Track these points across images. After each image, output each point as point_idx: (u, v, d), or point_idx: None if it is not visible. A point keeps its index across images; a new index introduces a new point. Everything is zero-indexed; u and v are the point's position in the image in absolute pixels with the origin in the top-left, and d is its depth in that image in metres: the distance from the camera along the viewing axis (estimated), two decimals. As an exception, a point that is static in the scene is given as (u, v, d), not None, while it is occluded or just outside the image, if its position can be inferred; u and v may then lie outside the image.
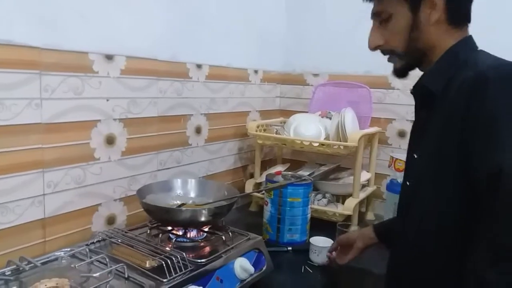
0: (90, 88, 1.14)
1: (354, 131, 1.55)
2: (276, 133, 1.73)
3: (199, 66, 1.52)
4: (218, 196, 1.25)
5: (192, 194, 1.32)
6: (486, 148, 0.73)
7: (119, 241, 1.07)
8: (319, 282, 1.22)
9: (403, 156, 1.05)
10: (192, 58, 1.49)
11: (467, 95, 0.77)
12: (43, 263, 0.94)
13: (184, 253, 0.97)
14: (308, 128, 1.66)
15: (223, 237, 1.12)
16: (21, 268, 0.90)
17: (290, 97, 2.06)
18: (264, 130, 1.77)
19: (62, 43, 1.06)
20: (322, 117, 1.77)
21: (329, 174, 1.80)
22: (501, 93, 0.74)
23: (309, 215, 1.46)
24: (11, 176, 0.99)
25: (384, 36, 0.91)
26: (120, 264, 0.92)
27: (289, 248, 1.39)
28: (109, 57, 1.18)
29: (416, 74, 0.94)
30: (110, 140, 1.22)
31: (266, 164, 1.92)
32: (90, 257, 0.96)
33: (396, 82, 1.74)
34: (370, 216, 1.77)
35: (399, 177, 1.53)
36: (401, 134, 1.76)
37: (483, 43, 0.89)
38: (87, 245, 1.04)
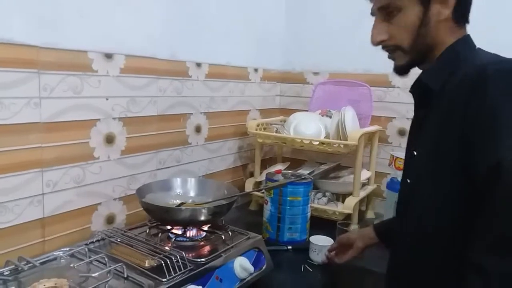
0: (89, 87, 1.14)
1: (354, 130, 1.55)
2: (276, 131, 1.72)
3: (198, 65, 1.52)
4: (217, 195, 1.25)
5: (192, 193, 1.32)
6: (487, 143, 0.72)
7: (118, 240, 1.07)
8: (319, 281, 1.22)
9: (403, 154, 1.04)
10: (191, 57, 1.48)
11: (468, 91, 0.77)
12: (42, 263, 0.94)
13: (183, 253, 0.97)
14: (308, 127, 1.66)
15: (223, 236, 1.12)
16: (19, 268, 0.89)
17: (290, 96, 2.06)
18: (264, 128, 1.77)
19: (61, 42, 1.05)
20: (322, 115, 1.77)
21: (329, 173, 1.80)
22: (502, 88, 0.73)
23: (309, 214, 1.46)
24: (10, 176, 0.99)
25: (389, 31, 0.88)
26: (119, 264, 0.91)
27: (289, 247, 1.39)
28: (109, 56, 1.18)
29: (415, 73, 0.94)
30: (109, 139, 1.22)
31: (266, 162, 1.92)
32: (89, 257, 0.96)
33: (397, 80, 1.74)
34: (370, 214, 1.77)
35: (400, 175, 1.51)
36: (402, 132, 1.76)
37: (483, 43, 0.88)
38: (86, 244, 1.04)
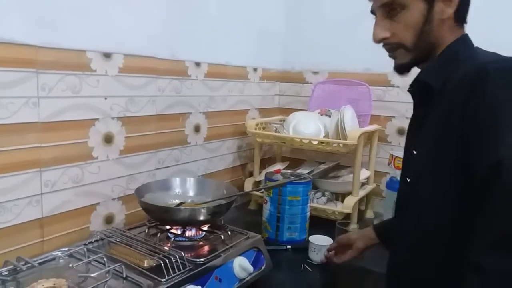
0: (88, 86, 1.13)
1: (353, 129, 1.55)
2: (275, 131, 1.72)
3: (197, 64, 1.52)
4: (217, 195, 1.25)
5: (191, 193, 1.31)
6: (486, 142, 0.72)
7: (117, 240, 1.07)
8: (318, 281, 1.21)
9: (402, 153, 1.05)
10: (191, 56, 1.48)
11: (467, 89, 0.77)
12: (40, 263, 0.94)
13: (182, 253, 0.97)
14: (307, 126, 1.66)
15: (222, 236, 1.11)
16: (18, 268, 0.89)
17: (289, 95, 2.05)
18: (263, 128, 1.77)
19: (59, 41, 1.05)
20: (321, 115, 1.77)
21: (329, 172, 1.80)
22: (501, 87, 0.73)
23: (308, 214, 1.45)
24: (8, 176, 0.98)
25: (392, 28, 0.87)
26: (118, 264, 0.91)
27: (288, 247, 1.39)
28: (107, 55, 1.18)
29: (415, 72, 0.94)
30: (108, 139, 1.21)
31: (265, 162, 1.92)
32: (88, 257, 0.96)
33: (396, 79, 1.74)
34: (369, 214, 1.77)
35: (399, 175, 1.52)
36: (401, 131, 1.75)
37: (483, 42, 0.88)
38: (85, 244, 1.04)
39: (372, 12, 0.92)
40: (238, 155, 1.83)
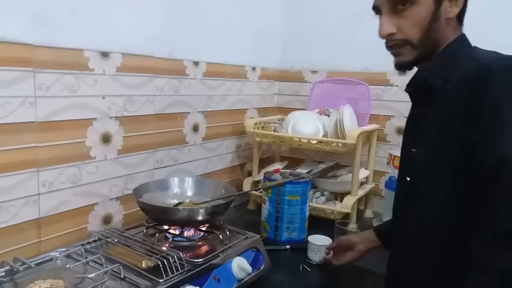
0: (85, 86, 1.13)
1: (352, 128, 1.54)
2: (274, 130, 1.72)
3: (196, 63, 1.51)
4: (215, 195, 1.24)
5: (189, 193, 1.31)
6: (490, 139, 0.73)
7: (115, 240, 1.06)
8: (317, 281, 1.21)
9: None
10: (189, 55, 1.47)
11: (470, 87, 0.77)
12: (37, 264, 0.93)
13: (181, 253, 0.96)
14: (306, 126, 1.65)
15: (221, 236, 1.11)
16: (15, 269, 0.88)
17: (288, 94, 2.05)
18: (262, 127, 1.76)
19: (56, 40, 1.04)
20: (320, 114, 1.76)
21: (328, 172, 1.80)
22: (505, 84, 0.73)
23: (307, 213, 1.45)
24: (5, 176, 0.97)
25: (399, 24, 0.86)
26: (116, 265, 0.91)
27: (287, 247, 1.38)
28: (105, 54, 1.17)
29: (411, 71, 0.93)
30: (106, 139, 1.21)
31: (264, 162, 1.91)
32: (86, 258, 0.95)
33: (395, 79, 1.73)
34: (368, 213, 1.77)
35: (398, 174, 1.52)
36: (400, 131, 1.75)
37: (482, 42, 0.88)
38: (82, 245, 1.03)
39: (374, 8, 0.90)
40: (237, 155, 1.82)
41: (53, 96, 1.05)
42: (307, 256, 1.30)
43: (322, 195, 1.63)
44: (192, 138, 1.55)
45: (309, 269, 1.25)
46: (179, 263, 0.93)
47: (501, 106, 0.72)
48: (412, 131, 0.97)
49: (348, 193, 1.56)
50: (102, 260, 0.93)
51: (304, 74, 1.98)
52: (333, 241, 1.28)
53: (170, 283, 0.88)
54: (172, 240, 1.09)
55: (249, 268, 1.05)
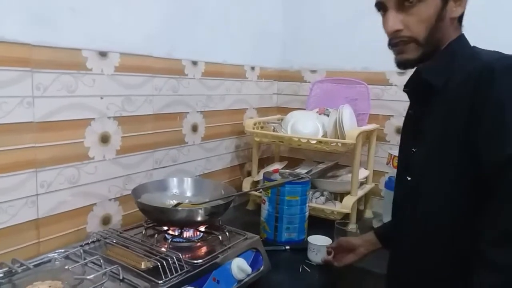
0: (83, 85, 1.12)
1: (352, 128, 1.54)
2: (274, 130, 1.71)
3: (194, 63, 1.50)
4: (214, 195, 1.24)
5: (188, 193, 1.30)
6: (494, 138, 0.73)
7: (114, 241, 1.06)
8: (317, 281, 1.21)
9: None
10: (187, 55, 1.47)
11: (473, 88, 0.77)
12: (36, 265, 0.92)
13: (180, 254, 0.96)
14: (305, 126, 1.65)
15: (220, 237, 1.10)
16: (13, 271, 0.88)
17: (287, 94, 2.04)
18: (261, 127, 1.76)
19: (54, 39, 1.04)
20: (319, 114, 1.76)
21: (327, 172, 1.79)
22: (507, 83, 0.74)
23: (307, 214, 1.45)
24: (3, 176, 0.97)
25: (406, 21, 0.85)
26: (115, 266, 0.90)
27: (287, 247, 1.38)
28: (103, 54, 1.16)
29: (409, 70, 0.93)
30: (104, 139, 1.20)
31: (263, 162, 1.90)
32: (85, 259, 0.94)
33: (394, 78, 1.73)
34: (368, 213, 1.76)
35: (398, 174, 1.52)
36: (399, 131, 1.71)
37: (482, 42, 0.88)
38: (81, 246, 1.03)
39: (378, 4, 0.89)
40: (236, 155, 1.82)
41: (51, 96, 1.04)
42: (307, 256, 1.29)
43: (322, 195, 1.62)
44: (191, 138, 1.54)
45: (309, 270, 1.24)
46: (178, 264, 0.93)
47: (504, 106, 0.72)
48: (412, 130, 0.97)
49: (348, 193, 1.56)
50: (101, 261, 0.92)
51: (304, 74, 1.98)
52: (333, 241, 1.27)
53: (169, 284, 0.88)
54: (171, 241, 1.08)
55: (249, 269, 1.05)
